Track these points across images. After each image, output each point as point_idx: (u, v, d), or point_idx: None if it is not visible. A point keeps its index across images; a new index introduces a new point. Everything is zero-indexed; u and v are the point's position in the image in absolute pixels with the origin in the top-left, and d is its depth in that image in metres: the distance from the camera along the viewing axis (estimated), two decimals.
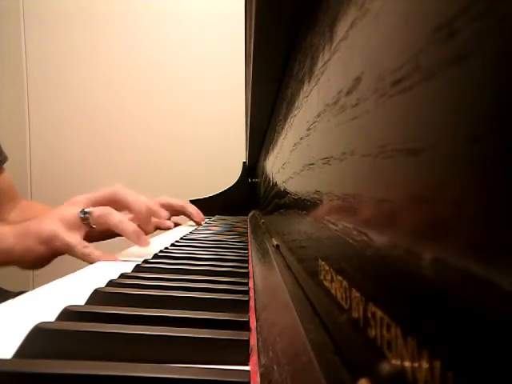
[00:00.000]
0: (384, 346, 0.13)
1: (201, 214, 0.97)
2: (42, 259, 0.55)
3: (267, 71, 0.46)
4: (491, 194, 0.08)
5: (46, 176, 1.66)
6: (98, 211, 0.55)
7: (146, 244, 0.55)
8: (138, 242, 0.55)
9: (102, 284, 0.34)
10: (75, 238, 0.53)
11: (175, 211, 0.93)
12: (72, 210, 0.55)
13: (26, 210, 0.88)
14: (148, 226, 0.62)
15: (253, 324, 0.26)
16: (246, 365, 0.21)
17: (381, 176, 0.14)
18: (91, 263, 0.52)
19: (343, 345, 0.17)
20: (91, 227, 0.55)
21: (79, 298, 0.30)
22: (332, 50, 0.21)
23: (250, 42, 0.44)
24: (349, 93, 0.17)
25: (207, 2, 1.59)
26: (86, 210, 0.55)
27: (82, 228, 0.55)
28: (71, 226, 0.54)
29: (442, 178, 0.09)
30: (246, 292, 0.33)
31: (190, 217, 0.96)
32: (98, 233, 0.58)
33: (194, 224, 0.97)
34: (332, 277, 0.20)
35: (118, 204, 0.60)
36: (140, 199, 0.61)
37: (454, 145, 0.09)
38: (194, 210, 0.95)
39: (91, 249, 0.54)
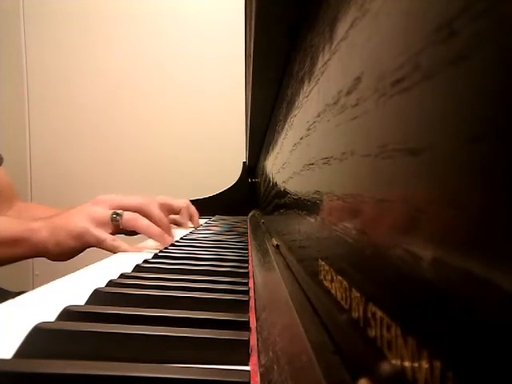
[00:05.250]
0: (384, 346, 0.13)
1: (196, 219, 0.94)
2: (73, 251, 0.62)
3: (267, 71, 0.46)
4: (491, 193, 0.08)
5: (46, 176, 1.66)
6: (127, 215, 0.63)
7: (170, 242, 0.63)
8: (163, 242, 0.62)
9: (101, 284, 0.34)
10: (104, 234, 0.61)
11: (175, 212, 0.91)
12: (101, 210, 0.63)
13: (22, 212, 0.87)
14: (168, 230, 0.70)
15: (253, 324, 0.26)
16: (246, 365, 0.21)
17: (381, 176, 0.14)
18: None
19: (343, 345, 0.17)
20: (118, 227, 0.62)
21: (79, 298, 0.30)
22: (332, 50, 0.21)
23: (250, 42, 0.44)
24: (349, 93, 0.17)
25: (207, 1, 1.59)
26: (117, 212, 0.62)
27: (110, 227, 0.62)
28: (100, 224, 0.62)
29: (442, 178, 0.09)
30: (246, 292, 0.32)
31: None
32: (121, 231, 0.66)
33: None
34: (332, 277, 0.20)
35: (141, 213, 0.66)
36: (161, 215, 0.68)
37: (454, 145, 0.09)
38: (193, 214, 0.92)
39: (119, 242, 0.61)
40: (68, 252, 0.61)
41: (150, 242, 0.67)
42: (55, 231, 0.60)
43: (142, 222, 0.63)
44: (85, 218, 0.62)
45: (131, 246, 0.63)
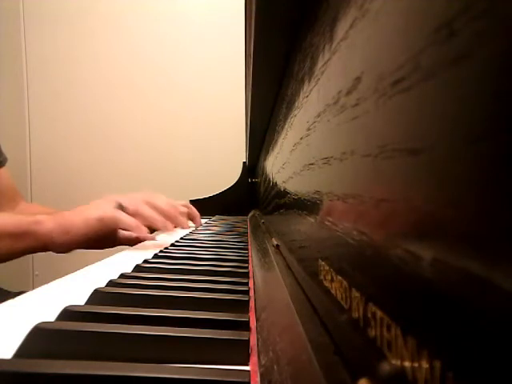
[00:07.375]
0: (384, 346, 0.13)
1: (198, 220, 0.94)
2: (82, 238, 0.63)
3: (267, 71, 0.46)
4: (491, 193, 0.08)
5: (46, 176, 1.66)
6: (132, 206, 0.67)
7: (172, 229, 0.69)
8: (165, 229, 0.67)
9: (101, 284, 0.34)
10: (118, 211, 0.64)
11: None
12: (106, 201, 0.66)
13: (26, 212, 0.88)
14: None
15: (253, 324, 0.26)
16: (246, 365, 0.21)
17: (381, 176, 0.14)
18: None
19: (343, 345, 0.17)
20: None
21: (79, 298, 0.30)
22: (332, 50, 0.21)
23: (250, 42, 0.44)
24: (349, 93, 0.17)
25: (207, 1, 1.59)
26: (121, 204, 0.66)
27: None
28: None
29: (442, 178, 0.09)
30: (246, 292, 0.32)
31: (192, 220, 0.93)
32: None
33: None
34: (332, 277, 0.20)
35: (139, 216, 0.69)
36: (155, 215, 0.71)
37: (454, 145, 0.09)
38: (195, 216, 0.93)
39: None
40: (76, 240, 0.62)
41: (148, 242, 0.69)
42: (62, 220, 0.62)
43: (148, 210, 0.66)
44: (92, 207, 0.65)
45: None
